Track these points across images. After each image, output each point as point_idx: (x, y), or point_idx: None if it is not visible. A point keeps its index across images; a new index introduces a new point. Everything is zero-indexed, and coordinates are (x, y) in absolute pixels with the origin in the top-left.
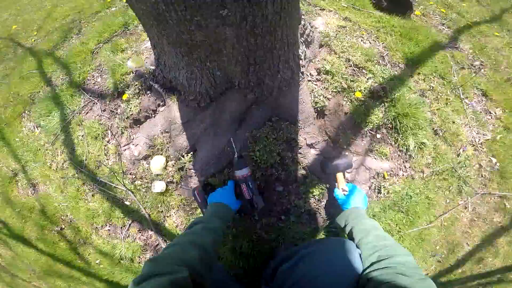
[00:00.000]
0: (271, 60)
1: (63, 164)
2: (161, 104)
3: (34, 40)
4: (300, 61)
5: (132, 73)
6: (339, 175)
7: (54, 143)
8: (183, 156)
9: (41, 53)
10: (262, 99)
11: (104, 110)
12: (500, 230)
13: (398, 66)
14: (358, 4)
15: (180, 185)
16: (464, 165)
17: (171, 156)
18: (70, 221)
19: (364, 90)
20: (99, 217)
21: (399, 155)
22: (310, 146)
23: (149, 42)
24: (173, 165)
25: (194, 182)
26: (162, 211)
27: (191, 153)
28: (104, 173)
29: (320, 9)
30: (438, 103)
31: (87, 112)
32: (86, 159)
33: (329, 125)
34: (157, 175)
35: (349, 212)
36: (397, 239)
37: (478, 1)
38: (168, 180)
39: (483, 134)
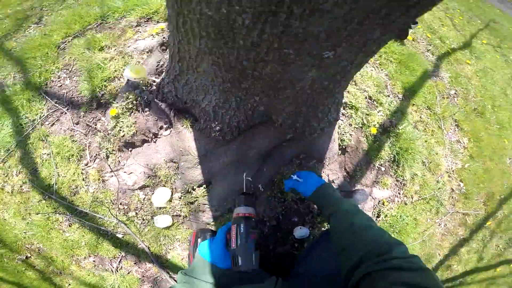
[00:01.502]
0: (325, 103)
1: (21, 186)
2: (164, 127)
3: None
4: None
5: (120, 80)
6: None
7: (6, 161)
8: (193, 189)
9: None
10: (298, 138)
11: (78, 123)
12: (462, 241)
13: (398, 96)
14: None
15: (189, 218)
16: (441, 190)
17: (177, 189)
18: (39, 250)
19: (377, 125)
20: (81, 249)
21: (395, 184)
22: (332, 181)
23: (139, 42)
24: (180, 198)
25: (207, 217)
26: (164, 243)
27: (204, 186)
28: (83, 202)
29: None
30: (426, 135)
31: (53, 124)
32: (56, 184)
33: (349, 162)
34: (160, 208)
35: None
36: None
37: (454, 25)
38: (174, 214)
39: (455, 163)
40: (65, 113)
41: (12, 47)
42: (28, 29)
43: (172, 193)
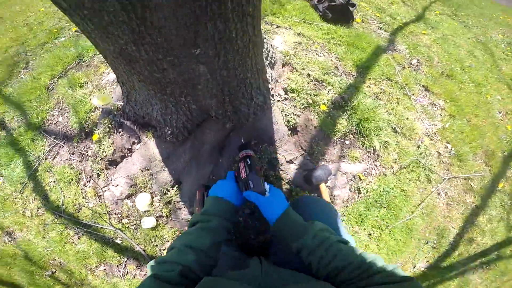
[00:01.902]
0: (244, 89)
1: (37, 210)
2: (135, 141)
3: None
4: (269, 84)
5: (98, 110)
6: (322, 186)
7: (23, 192)
8: (168, 191)
9: None
10: (240, 126)
11: (73, 153)
12: (476, 210)
13: (351, 74)
14: (308, 18)
15: (170, 218)
16: (425, 155)
17: (155, 192)
18: (61, 264)
19: (328, 102)
20: (91, 258)
21: (368, 156)
22: (290, 162)
23: (110, 75)
24: (160, 200)
25: (184, 213)
26: (157, 245)
27: (176, 186)
28: (86, 216)
29: (276, 27)
30: (391, 104)
31: (54, 157)
32: (63, 204)
33: (303, 140)
34: (145, 211)
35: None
36: (387, 233)
37: (404, 2)
38: (157, 215)
39: (434, 125)
40: (63, 146)
41: (9, 92)
42: (19, 75)
43: (152, 196)
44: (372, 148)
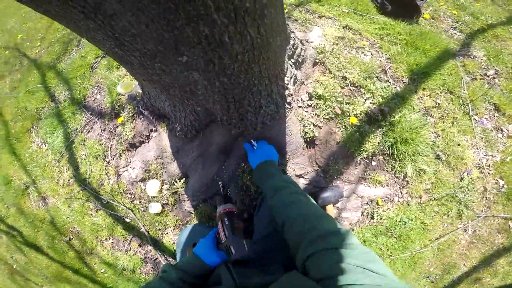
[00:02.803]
0: (251, 97)
1: (69, 180)
2: (153, 129)
3: (38, 51)
4: (287, 91)
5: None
6: (329, 207)
7: (60, 161)
8: (176, 182)
9: (44, 65)
10: (248, 133)
11: (104, 130)
12: (502, 251)
13: (402, 81)
14: (360, 9)
15: (175, 207)
16: (467, 190)
17: (165, 180)
18: (78, 233)
19: (361, 114)
20: (103, 231)
21: (395, 181)
22: (300, 176)
23: None
24: (168, 189)
25: (187, 205)
26: (159, 229)
27: (184, 179)
28: (106, 191)
29: (318, 17)
30: (443, 123)
31: (89, 131)
32: (89, 178)
33: (319, 156)
34: (153, 197)
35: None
36: (388, 263)
37: (493, 0)
38: (164, 202)
39: (492, 156)
40: (96, 122)
41: (62, 68)
42: (71, 52)
43: (162, 184)
44: (403, 174)
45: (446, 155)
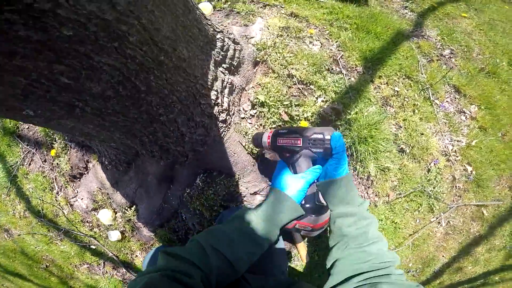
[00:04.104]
0: (163, 127)
1: (24, 212)
2: (88, 160)
3: None
4: (217, 107)
5: None
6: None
7: (9, 195)
8: (126, 210)
9: None
10: (181, 161)
11: (45, 161)
12: (478, 239)
13: (356, 70)
14: None
15: (135, 232)
16: (435, 181)
17: (116, 209)
18: (52, 260)
19: (312, 116)
20: (74, 258)
21: (359, 182)
22: (254, 193)
23: None
24: (121, 217)
25: (146, 231)
26: (127, 253)
27: (134, 207)
28: (63, 221)
29: (262, 6)
30: (404, 112)
31: (29, 163)
32: (42, 209)
33: (272, 168)
34: (109, 225)
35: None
36: None
37: None
38: (121, 229)
39: (457, 141)
40: (35, 153)
41: None
42: None
43: (114, 212)
44: (366, 175)
45: (410, 147)
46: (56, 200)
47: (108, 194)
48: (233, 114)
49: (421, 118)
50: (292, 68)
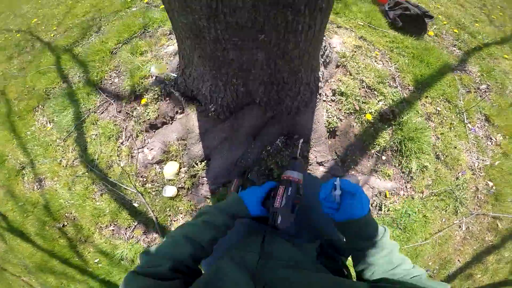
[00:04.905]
0: (294, 82)
1: (73, 161)
2: (179, 111)
3: (53, 35)
4: (320, 83)
5: (151, 78)
6: None
7: (66, 140)
8: (196, 164)
9: (59, 48)
10: (280, 116)
11: (120, 112)
12: (491, 249)
13: (408, 88)
14: (374, 23)
15: (190, 191)
16: (461, 188)
17: (184, 163)
18: (74, 218)
19: (375, 113)
20: (105, 216)
21: (401, 176)
22: (320, 164)
23: (170, 47)
24: (186, 172)
25: (205, 189)
26: (170, 215)
27: (205, 161)
28: (115, 174)
29: (337, 27)
30: (442, 128)
31: (102, 112)
32: (97, 158)
33: (339, 145)
34: (169, 180)
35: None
36: None
37: (491, 21)
38: (180, 185)
39: (483, 160)
40: (112, 103)
41: (78, 52)
42: (90, 37)
43: (180, 166)
44: (408, 170)
45: (445, 156)
46: (117, 150)
47: (186, 145)
48: (320, 94)
49: (455, 135)
50: (363, 76)
